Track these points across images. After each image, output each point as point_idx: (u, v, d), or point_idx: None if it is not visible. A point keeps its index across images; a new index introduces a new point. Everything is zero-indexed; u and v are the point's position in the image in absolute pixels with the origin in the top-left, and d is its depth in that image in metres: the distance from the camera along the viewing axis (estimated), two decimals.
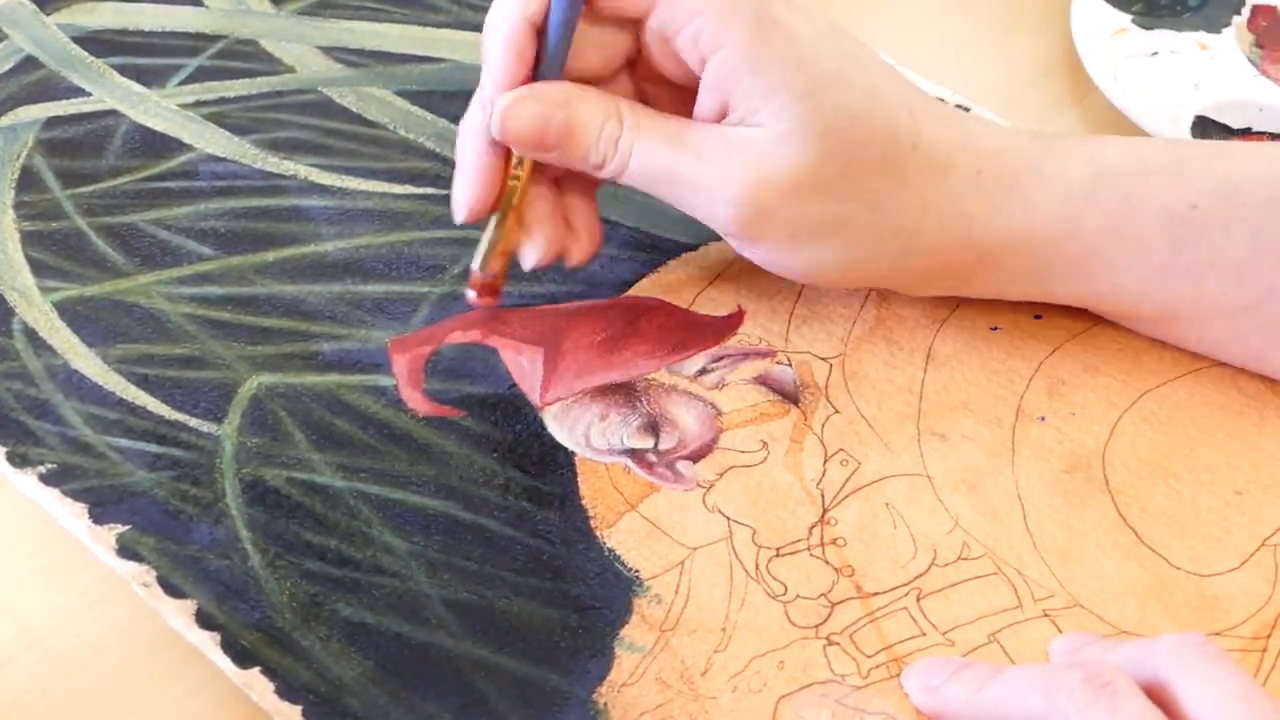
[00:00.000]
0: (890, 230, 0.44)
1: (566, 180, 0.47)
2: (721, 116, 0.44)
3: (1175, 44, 0.59)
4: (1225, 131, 0.56)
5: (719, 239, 0.51)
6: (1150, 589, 0.42)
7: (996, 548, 0.43)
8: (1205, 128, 0.56)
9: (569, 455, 0.45)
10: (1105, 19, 0.60)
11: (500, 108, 0.44)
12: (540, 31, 0.44)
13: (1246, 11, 0.61)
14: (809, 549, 0.43)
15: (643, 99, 0.46)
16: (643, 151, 0.44)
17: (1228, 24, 0.60)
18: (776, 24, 0.42)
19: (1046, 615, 0.41)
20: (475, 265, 0.47)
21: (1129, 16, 0.60)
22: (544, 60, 0.44)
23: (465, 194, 0.46)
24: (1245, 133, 0.56)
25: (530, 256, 0.47)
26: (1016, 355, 0.48)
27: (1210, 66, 0.58)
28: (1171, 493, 0.44)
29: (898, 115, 0.43)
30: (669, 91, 0.46)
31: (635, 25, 0.45)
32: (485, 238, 0.46)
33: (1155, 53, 0.59)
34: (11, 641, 0.42)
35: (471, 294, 0.47)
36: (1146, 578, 0.42)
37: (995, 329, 0.48)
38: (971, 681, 0.38)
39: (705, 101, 0.44)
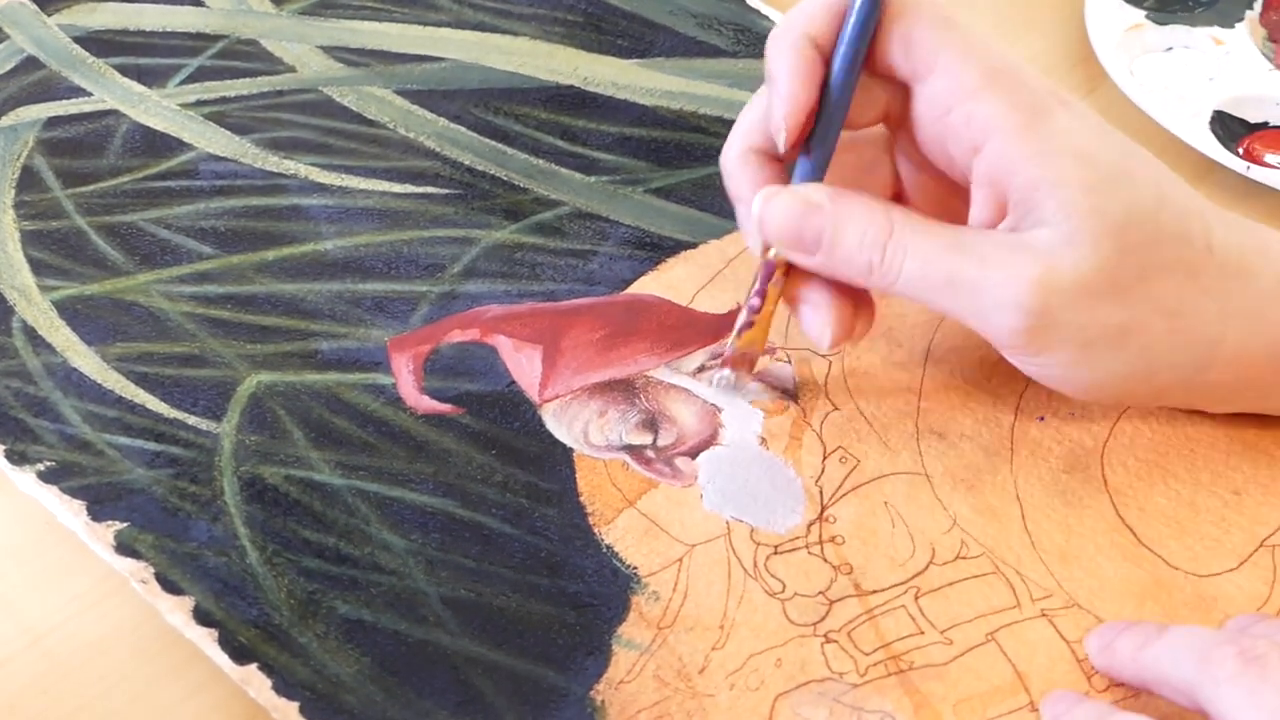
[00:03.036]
0: (1188, 339, 0.41)
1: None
2: (997, 213, 0.41)
3: (1189, 39, 0.59)
4: (1244, 126, 0.56)
5: (718, 237, 0.51)
6: (1148, 589, 0.41)
7: (995, 547, 0.43)
8: (1224, 122, 0.56)
9: (567, 452, 0.45)
10: (1119, 15, 0.60)
11: (758, 207, 0.42)
12: (825, 56, 0.42)
13: (1258, 6, 0.60)
14: (807, 546, 0.43)
15: (897, 181, 0.45)
16: (916, 258, 0.41)
17: (1241, 19, 0.60)
18: (1055, 115, 0.40)
19: (1044, 615, 0.41)
20: (727, 347, 0.46)
21: (1143, 12, 0.60)
22: (829, 92, 0.42)
23: (748, 230, 0.44)
24: (1262, 127, 0.56)
25: (825, 339, 0.43)
26: None
27: (1225, 61, 0.58)
28: (1170, 493, 0.44)
29: (1189, 215, 0.41)
30: (923, 175, 0.45)
31: (904, 94, 0.43)
32: (738, 322, 0.45)
33: (1170, 48, 0.59)
34: (12, 640, 0.42)
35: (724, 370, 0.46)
36: (1144, 578, 0.42)
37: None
38: (1137, 638, 0.38)
39: (979, 198, 0.41)
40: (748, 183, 0.44)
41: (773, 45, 0.42)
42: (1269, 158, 0.54)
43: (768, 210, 0.42)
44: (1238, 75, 0.57)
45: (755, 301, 0.44)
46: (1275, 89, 0.56)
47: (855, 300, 0.44)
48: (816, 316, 0.44)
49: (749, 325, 0.45)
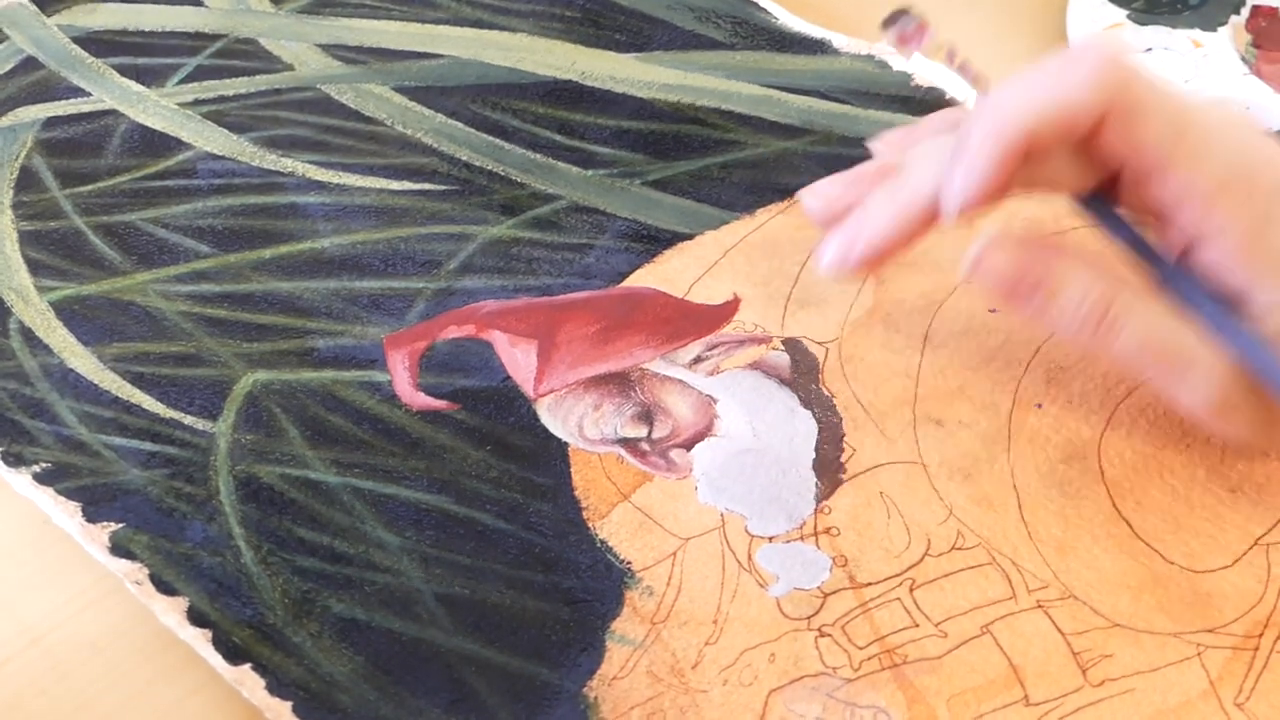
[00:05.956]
0: None
1: None
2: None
3: (1169, 41, 0.59)
4: None
5: (714, 228, 0.51)
6: (1144, 583, 0.41)
7: (991, 538, 0.42)
8: None
9: (562, 446, 0.45)
10: (1101, 14, 0.59)
11: (978, 248, 0.41)
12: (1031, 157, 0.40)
13: (1246, 11, 0.60)
14: (802, 539, 0.42)
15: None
16: (1138, 322, 0.40)
17: (1224, 23, 0.59)
18: (1275, 221, 0.40)
19: (1040, 606, 0.41)
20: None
21: (1125, 12, 0.60)
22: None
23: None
24: None
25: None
26: (1015, 340, 0.47)
27: (1202, 64, 0.57)
28: (1166, 487, 0.43)
29: None
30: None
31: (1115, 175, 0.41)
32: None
33: (1149, 49, 0.58)
34: (11, 641, 0.42)
35: None
36: (1141, 571, 0.41)
37: (994, 311, 0.48)
38: None
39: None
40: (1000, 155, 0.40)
41: (982, 127, 0.40)
42: None
43: (989, 256, 0.41)
44: (1213, 78, 0.57)
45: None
46: (1248, 93, 0.56)
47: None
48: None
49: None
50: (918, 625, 0.40)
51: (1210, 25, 0.59)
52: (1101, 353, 0.42)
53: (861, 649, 0.40)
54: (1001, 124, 0.39)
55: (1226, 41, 0.58)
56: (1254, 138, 0.41)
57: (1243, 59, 0.58)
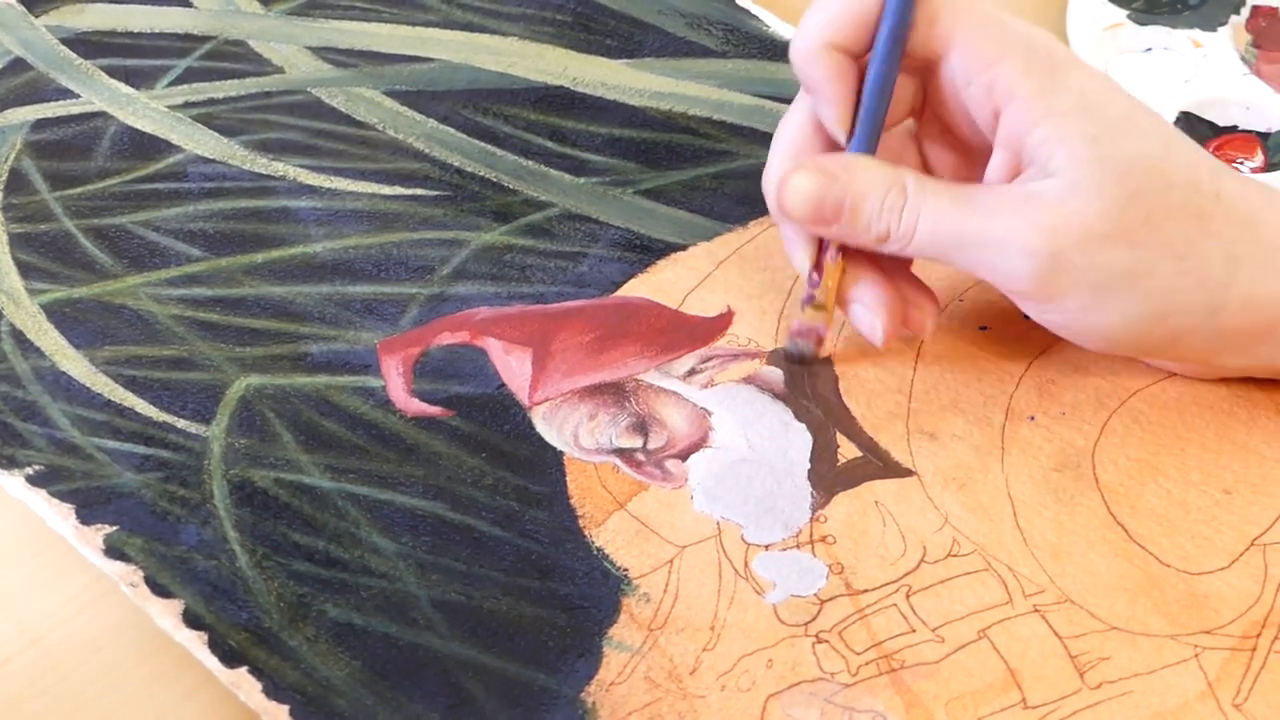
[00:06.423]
0: (1197, 280, 0.42)
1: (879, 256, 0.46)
2: (1012, 174, 0.43)
3: (1169, 40, 0.59)
4: (1211, 129, 0.56)
5: (708, 239, 0.51)
6: (1141, 585, 0.41)
7: (987, 544, 0.42)
8: (1190, 123, 0.56)
9: (557, 455, 0.45)
10: (1101, 13, 0.60)
11: (774, 182, 0.44)
12: (852, 56, 0.44)
13: (1246, 11, 0.61)
14: (798, 546, 0.43)
15: (925, 165, 0.46)
16: (930, 217, 0.42)
17: (1224, 23, 0.60)
18: (1068, 74, 0.42)
19: (1037, 610, 0.41)
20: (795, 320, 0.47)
21: (1125, 12, 0.60)
22: (868, 90, 0.44)
23: (798, 258, 0.46)
24: (1231, 130, 0.56)
25: (876, 331, 0.45)
26: (1006, 354, 0.47)
27: (1202, 64, 0.58)
28: (1161, 491, 0.44)
29: (1197, 165, 0.42)
30: (950, 154, 0.46)
31: (925, 75, 0.44)
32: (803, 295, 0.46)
33: (1149, 49, 0.59)
34: (10, 641, 0.41)
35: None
36: (1137, 574, 0.42)
37: (984, 328, 0.48)
38: None
39: (997, 159, 0.43)
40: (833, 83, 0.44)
41: (801, 56, 0.44)
42: (1241, 161, 0.54)
43: (788, 185, 0.44)
44: (1212, 78, 0.57)
45: (815, 278, 0.45)
46: (1247, 93, 0.57)
47: (904, 292, 0.46)
48: (866, 314, 0.45)
49: (809, 300, 0.46)
50: (915, 631, 0.41)
51: (1210, 25, 0.60)
52: (907, 255, 0.44)
53: (859, 654, 0.40)
54: (810, 46, 0.43)
55: (1226, 41, 0.59)
56: (1013, 19, 0.43)
57: (1243, 59, 0.58)
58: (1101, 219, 0.41)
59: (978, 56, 0.42)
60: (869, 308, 0.45)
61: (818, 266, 0.45)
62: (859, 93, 0.44)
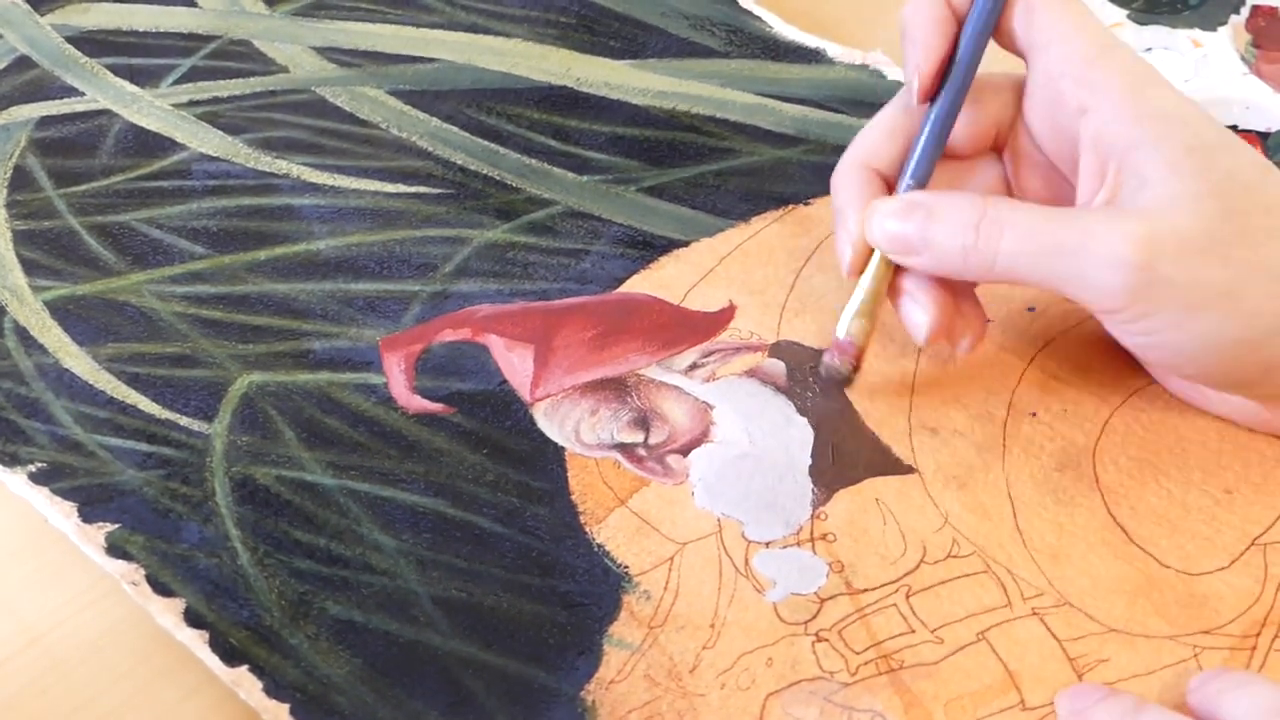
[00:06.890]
0: None
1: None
2: (1099, 179, 0.42)
3: (1169, 40, 0.59)
4: None
5: (710, 235, 0.51)
6: (1140, 587, 0.41)
7: (986, 546, 0.42)
8: None
9: (559, 451, 0.45)
10: (1101, 13, 0.60)
11: (864, 216, 0.44)
12: (958, 16, 0.44)
13: (1245, 11, 0.61)
14: (799, 544, 0.43)
15: (1012, 186, 0.46)
16: (1014, 231, 0.41)
17: (1224, 22, 0.60)
18: (1159, 86, 0.42)
19: (1035, 613, 0.41)
20: (838, 331, 0.45)
21: (1125, 12, 0.60)
22: (959, 55, 0.44)
23: (844, 246, 0.45)
24: (1230, 130, 0.56)
25: (921, 327, 0.44)
26: (1009, 349, 0.47)
27: (1202, 64, 0.58)
28: (1161, 491, 0.44)
29: None
30: (1037, 174, 0.46)
31: (1015, 93, 0.45)
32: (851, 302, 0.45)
33: (1149, 49, 0.59)
34: (10, 640, 0.42)
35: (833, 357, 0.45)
36: (1136, 576, 0.42)
37: (988, 321, 0.48)
38: (1114, 711, 0.37)
39: (1084, 163, 0.43)
40: (856, 196, 0.45)
41: (912, 6, 0.44)
42: None
43: (872, 214, 0.44)
44: (1212, 77, 0.57)
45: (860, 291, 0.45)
46: (1247, 92, 0.57)
47: (956, 294, 0.44)
48: (916, 308, 0.44)
49: (857, 313, 0.45)
50: (914, 631, 0.41)
51: (1210, 25, 0.60)
52: (989, 279, 0.42)
53: (858, 654, 0.40)
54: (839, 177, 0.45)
55: (1226, 41, 0.59)
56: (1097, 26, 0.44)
57: (1243, 59, 0.58)
58: (1198, 233, 0.39)
59: (1075, 52, 0.42)
60: (919, 303, 0.44)
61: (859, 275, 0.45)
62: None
